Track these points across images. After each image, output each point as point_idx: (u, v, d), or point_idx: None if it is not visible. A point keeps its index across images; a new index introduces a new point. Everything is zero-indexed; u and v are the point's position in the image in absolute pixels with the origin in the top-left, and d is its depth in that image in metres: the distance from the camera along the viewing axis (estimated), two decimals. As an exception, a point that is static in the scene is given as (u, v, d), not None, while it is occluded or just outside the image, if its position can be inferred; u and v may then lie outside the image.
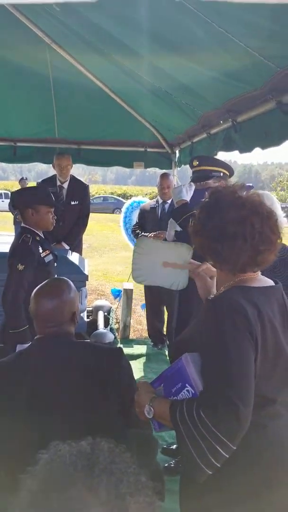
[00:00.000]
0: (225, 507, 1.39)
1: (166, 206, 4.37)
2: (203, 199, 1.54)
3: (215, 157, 3.08)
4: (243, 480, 1.37)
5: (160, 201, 4.51)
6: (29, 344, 1.83)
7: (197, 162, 2.75)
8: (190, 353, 1.42)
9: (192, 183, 2.72)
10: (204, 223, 1.44)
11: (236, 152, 2.84)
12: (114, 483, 0.74)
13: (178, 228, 2.75)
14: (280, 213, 2.14)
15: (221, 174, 2.66)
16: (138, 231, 4.62)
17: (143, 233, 4.47)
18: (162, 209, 4.44)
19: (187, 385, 1.40)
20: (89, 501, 0.72)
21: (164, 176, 4.43)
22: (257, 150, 2.44)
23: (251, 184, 3.08)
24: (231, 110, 2.63)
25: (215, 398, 1.28)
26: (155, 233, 4.10)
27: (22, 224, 2.79)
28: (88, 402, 1.59)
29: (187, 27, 2.00)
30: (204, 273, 1.76)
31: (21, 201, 2.79)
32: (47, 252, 2.76)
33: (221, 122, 2.92)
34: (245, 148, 2.57)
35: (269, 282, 1.49)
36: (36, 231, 2.77)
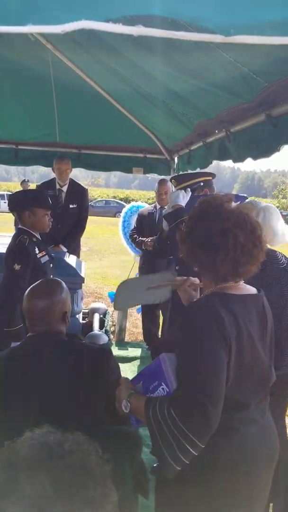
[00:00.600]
0: (195, 502, 1.44)
1: (164, 211, 4.46)
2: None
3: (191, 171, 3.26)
4: (213, 481, 1.42)
5: (158, 206, 4.59)
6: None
7: (176, 183, 2.91)
8: (167, 353, 1.49)
9: (188, 189, 2.82)
10: (190, 231, 1.50)
11: (231, 161, 2.93)
12: (66, 478, 0.76)
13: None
14: (280, 229, 2.16)
15: (201, 183, 2.79)
16: (135, 235, 4.69)
17: (140, 238, 4.54)
18: (160, 214, 4.51)
19: (162, 383, 1.47)
20: (24, 489, 0.74)
21: (162, 182, 4.51)
22: (248, 159, 2.51)
23: (245, 195, 3.16)
24: (225, 121, 2.71)
25: (185, 398, 1.34)
26: (152, 238, 4.17)
27: (19, 226, 2.87)
28: (75, 398, 1.66)
29: (183, 43, 2.08)
30: (188, 288, 1.83)
31: (18, 203, 2.87)
32: (43, 253, 2.83)
33: (216, 131, 3.00)
34: (238, 157, 2.65)
35: (251, 291, 1.54)
36: (33, 232, 2.84)
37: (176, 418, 1.31)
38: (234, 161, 2.75)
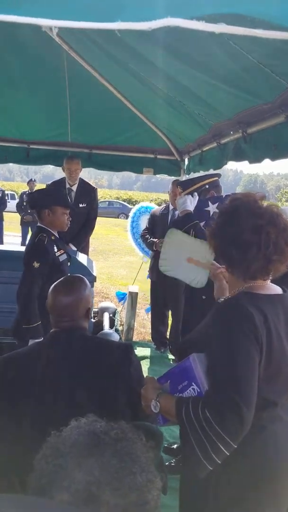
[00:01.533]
0: (222, 503, 1.45)
1: (177, 213, 4.44)
2: (215, 206, 1.65)
3: (197, 174, 3.29)
4: (239, 477, 1.43)
5: (171, 207, 4.60)
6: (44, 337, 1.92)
7: (182, 188, 2.93)
8: (198, 353, 1.48)
9: (195, 193, 2.85)
10: (221, 227, 1.51)
11: (245, 162, 2.95)
12: (114, 464, 0.78)
13: None
14: None
15: (207, 186, 2.82)
16: (147, 236, 4.70)
17: (151, 239, 4.55)
18: (173, 215, 4.51)
19: (193, 383, 1.47)
20: (74, 475, 0.76)
21: (175, 183, 4.54)
22: (265, 160, 2.53)
23: (265, 194, 3.20)
24: (242, 122, 2.73)
25: (220, 399, 1.34)
26: (162, 240, 4.19)
27: (38, 224, 2.89)
28: (98, 394, 1.67)
29: (203, 42, 2.10)
30: (223, 276, 1.84)
31: (39, 201, 2.90)
32: (62, 251, 2.86)
33: (232, 132, 3.02)
34: (255, 158, 2.67)
35: (278, 290, 1.55)
36: (51, 231, 2.87)
37: (210, 419, 1.32)
38: (250, 162, 2.77)
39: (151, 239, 4.55)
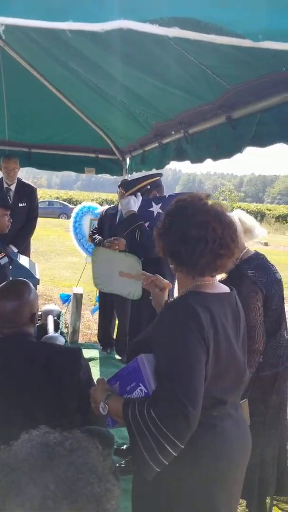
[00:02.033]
0: (174, 503, 1.45)
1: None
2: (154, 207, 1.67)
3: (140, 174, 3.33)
4: (190, 477, 1.44)
5: (119, 207, 4.53)
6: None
7: (124, 190, 2.95)
8: (145, 354, 1.48)
9: (139, 194, 2.85)
10: (168, 227, 1.53)
11: (186, 162, 2.99)
12: (70, 476, 0.76)
13: None
14: (253, 224, 2.30)
15: (148, 187, 2.86)
16: (95, 236, 4.62)
17: (100, 238, 4.48)
18: (121, 215, 4.44)
19: (140, 384, 1.46)
20: (28, 490, 0.73)
21: (123, 182, 4.52)
22: (207, 160, 2.58)
23: (209, 194, 3.27)
24: (183, 122, 2.76)
25: (166, 398, 1.34)
26: (110, 239, 4.11)
27: (-24, 227, 2.76)
28: (47, 400, 1.62)
29: (146, 43, 2.10)
30: (155, 285, 1.86)
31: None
32: (2, 254, 2.75)
33: (173, 132, 3.04)
34: (196, 158, 2.71)
35: (225, 289, 1.59)
36: (-9, 234, 2.75)
37: (155, 418, 1.31)
38: (192, 162, 2.81)
39: (99, 238, 4.49)
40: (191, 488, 1.44)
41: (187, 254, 1.46)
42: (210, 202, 1.54)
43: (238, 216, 2.25)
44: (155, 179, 2.96)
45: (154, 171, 3.63)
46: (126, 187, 2.96)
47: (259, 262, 2.21)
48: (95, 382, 1.66)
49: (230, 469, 1.48)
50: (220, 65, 1.93)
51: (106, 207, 5.12)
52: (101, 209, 5.27)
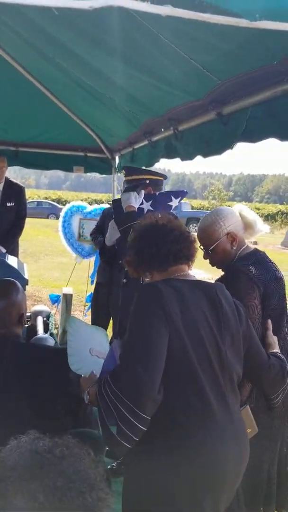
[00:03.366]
0: (164, 503, 1.42)
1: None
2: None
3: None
4: (175, 478, 1.41)
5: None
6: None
7: (125, 172, 2.90)
8: (117, 339, 1.58)
9: (142, 191, 2.79)
10: (129, 249, 1.69)
11: (175, 160, 2.96)
12: (60, 486, 0.72)
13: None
14: (255, 219, 2.19)
15: (147, 181, 2.78)
16: (95, 235, 4.53)
17: (103, 238, 4.38)
18: None
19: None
20: (16, 502, 0.70)
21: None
22: (197, 157, 2.55)
23: (184, 190, 3.22)
24: (173, 119, 2.73)
25: (120, 365, 1.42)
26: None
27: None
28: (36, 402, 1.58)
29: (133, 36, 2.06)
30: None
31: None
32: (-13, 254, 2.68)
33: (163, 130, 3.01)
34: (186, 156, 2.68)
35: (201, 280, 1.66)
36: (-25, 234, 2.69)
37: (111, 384, 1.37)
38: (182, 159, 2.78)
39: (102, 238, 4.39)
40: (177, 490, 1.41)
41: (147, 249, 1.60)
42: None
43: (239, 210, 2.17)
44: (157, 177, 2.88)
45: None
46: (128, 171, 2.91)
47: (258, 259, 2.09)
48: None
49: (216, 473, 1.44)
50: (211, 59, 1.90)
51: (107, 205, 5.04)
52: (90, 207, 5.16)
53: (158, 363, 1.37)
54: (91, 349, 1.78)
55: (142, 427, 1.33)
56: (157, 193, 2.83)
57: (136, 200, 2.66)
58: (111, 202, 3.24)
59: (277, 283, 2.04)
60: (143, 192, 2.70)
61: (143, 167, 3.62)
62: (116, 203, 2.92)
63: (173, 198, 2.78)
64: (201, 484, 1.42)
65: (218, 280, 1.92)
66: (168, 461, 1.40)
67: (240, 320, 1.58)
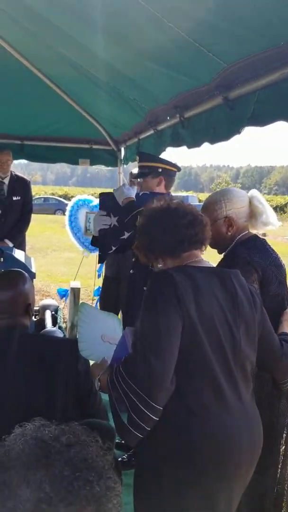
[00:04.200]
0: (176, 496, 1.41)
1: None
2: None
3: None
4: (186, 467, 1.39)
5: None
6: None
7: (138, 158, 2.84)
8: (130, 327, 1.54)
9: (134, 187, 2.77)
10: (138, 234, 1.64)
11: (183, 150, 2.91)
12: (67, 475, 0.70)
13: (109, 222, 2.78)
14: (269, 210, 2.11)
15: (160, 169, 2.70)
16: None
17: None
18: None
19: (127, 354, 1.48)
20: (21, 493, 0.67)
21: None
22: (205, 146, 2.50)
23: (170, 194, 3.16)
24: (178, 106, 2.68)
25: (132, 354, 1.39)
26: None
27: None
28: (44, 394, 1.56)
29: (135, 20, 2.02)
30: None
31: None
32: (-8, 247, 2.67)
33: (168, 118, 2.96)
34: (193, 143, 2.63)
35: (216, 267, 1.65)
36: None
37: (123, 373, 1.36)
38: (189, 146, 2.73)
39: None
40: (188, 480, 1.40)
41: (161, 235, 1.54)
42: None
43: (250, 197, 2.09)
44: (171, 167, 2.80)
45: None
46: (142, 157, 2.84)
47: (256, 244, 2.03)
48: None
49: (229, 462, 1.41)
50: (216, 41, 1.85)
51: None
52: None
53: (171, 353, 1.34)
54: (103, 335, 1.75)
55: (154, 417, 1.32)
56: (140, 192, 2.77)
57: (129, 191, 2.65)
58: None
59: (277, 269, 1.99)
60: (135, 187, 2.68)
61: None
62: (103, 196, 2.93)
63: (155, 201, 2.74)
64: (214, 474, 1.40)
65: (219, 263, 1.88)
66: (180, 451, 1.38)
67: (255, 307, 1.54)
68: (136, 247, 1.65)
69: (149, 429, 1.34)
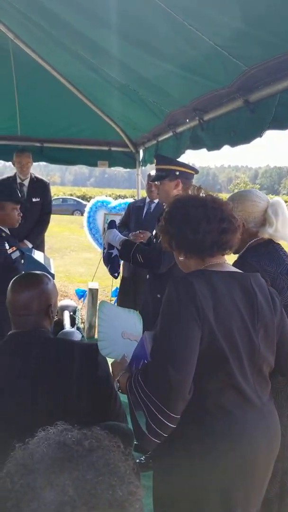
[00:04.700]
0: (194, 497, 1.42)
1: (153, 205, 4.21)
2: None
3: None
4: (206, 469, 1.39)
5: (147, 200, 4.43)
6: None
7: (155, 161, 2.86)
8: (149, 331, 1.52)
9: (151, 188, 2.79)
10: (168, 218, 1.58)
11: (201, 151, 2.90)
12: (90, 479, 0.70)
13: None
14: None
15: (177, 172, 2.69)
16: (120, 229, 4.51)
17: (124, 232, 4.36)
18: (148, 208, 4.33)
19: (145, 360, 1.48)
20: (45, 495, 0.68)
21: (150, 176, 4.46)
22: (225, 146, 2.49)
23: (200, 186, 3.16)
24: (198, 109, 2.67)
25: (150, 364, 1.39)
26: (135, 232, 3.98)
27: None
28: (64, 400, 1.56)
29: (155, 24, 2.02)
30: None
31: (-15, 198, 2.73)
32: (14, 248, 2.71)
33: (188, 121, 2.96)
34: (213, 146, 2.62)
35: (236, 270, 1.57)
36: (1, 228, 2.72)
37: (142, 383, 1.35)
38: (209, 149, 2.72)
39: (125, 232, 4.36)
40: (207, 482, 1.40)
41: (192, 235, 1.49)
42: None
43: (271, 203, 2.02)
44: (188, 170, 2.79)
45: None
46: (159, 160, 2.85)
47: (268, 250, 1.97)
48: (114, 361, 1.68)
49: (247, 462, 1.42)
50: (236, 44, 1.84)
51: (131, 200, 5.02)
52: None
53: (190, 363, 1.34)
54: (123, 332, 1.74)
55: (171, 425, 1.33)
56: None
57: (114, 236, 2.87)
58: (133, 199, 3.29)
59: None
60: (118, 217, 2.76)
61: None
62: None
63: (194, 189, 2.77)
64: (232, 474, 1.41)
65: None
66: (198, 454, 1.39)
67: (275, 310, 1.53)
68: (162, 230, 1.60)
69: (166, 435, 1.34)
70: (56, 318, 4.55)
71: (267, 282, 1.81)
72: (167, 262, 2.55)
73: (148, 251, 2.73)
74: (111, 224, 3.05)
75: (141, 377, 1.37)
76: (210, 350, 1.37)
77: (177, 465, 1.42)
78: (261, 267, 1.88)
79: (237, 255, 2.08)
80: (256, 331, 1.45)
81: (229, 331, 1.39)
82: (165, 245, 1.61)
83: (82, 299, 5.71)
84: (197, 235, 1.49)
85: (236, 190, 2.59)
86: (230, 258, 2.06)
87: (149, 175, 4.45)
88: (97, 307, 1.87)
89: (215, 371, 1.40)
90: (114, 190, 55.10)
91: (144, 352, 1.50)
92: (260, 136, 2.03)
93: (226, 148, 2.50)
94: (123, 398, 1.61)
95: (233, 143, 2.32)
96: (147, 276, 2.90)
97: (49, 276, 1.78)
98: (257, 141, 2.13)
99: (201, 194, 1.59)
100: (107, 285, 6.65)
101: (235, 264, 1.99)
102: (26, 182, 4.66)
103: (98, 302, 5.35)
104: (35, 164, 4.87)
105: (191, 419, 1.38)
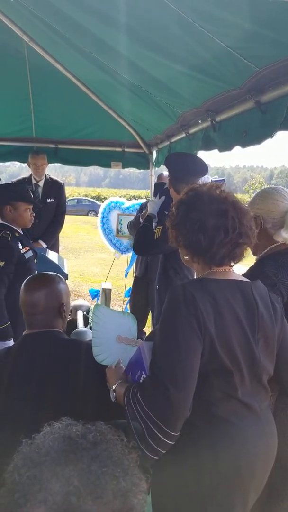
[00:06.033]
0: (194, 499, 1.42)
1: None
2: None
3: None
4: (208, 475, 1.39)
5: None
6: (17, 341, 1.82)
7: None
8: (147, 342, 1.49)
9: (163, 197, 2.85)
10: (183, 216, 1.48)
11: (215, 152, 2.90)
12: (94, 470, 0.73)
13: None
14: None
15: None
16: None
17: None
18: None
19: (142, 371, 1.46)
20: (51, 486, 0.70)
21: (161, 176, 4.52)
22: (237, 148, 2.49)
23: (223, 178, 3.17)
24: (210, 110, 2.68)
25: (149, 380, 1.34)
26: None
27: (0, 221, 2.78)
28: (70, 400, 1.57)
29: (167, 26, 2.03)
30: None
31: (-1, 197, 2.78)
32: (27, 248, 2.76)
33: (200, 121, 2.97)
34: (224, 147, 2.62)
35: (238, 277, 1.52)
36: (15, 228, 2.76)
37: (141, 401, 1.31)
38: (220, 150, 2.72)
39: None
40: (206, 488, 1.39)
41: (206, 243, 1.42)
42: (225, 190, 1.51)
43: None
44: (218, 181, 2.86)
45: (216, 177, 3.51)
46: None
47: (287, 261, 1.87)
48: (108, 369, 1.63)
49: (244, 470, 1.41)
50: (247, 45, 1.85)
51: (144, 200, 5.05)
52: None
53: (191, 380, 1.30)
54: (118, 336, 1.70)
55: (170, 443, 1.31)
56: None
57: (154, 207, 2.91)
58: (149, 199, 3.37)
59: None
60: (163, 197, 2.76)
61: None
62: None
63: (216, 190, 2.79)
64: (230, 480, 1.40)
65: (244, 275, 1.79)
66: (196, 460, 1.39)
67: (276, 318, 1.49)
68: (173, 225, 1.52)
69: (164, 452, 1.32)
70: (69, 318, 4.60)
71: (283, 297, 1.78)
72: (157, 252, 2.79)
73: (150, 233, 2.80)
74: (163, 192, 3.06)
75: (140, 395, 1.33)
76: (211, 363, 1.35)
77: (175, 472, 1.41)
78: (279, 280, 1.81)
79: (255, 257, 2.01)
80: (256, 341, 1.43)
81: (229, 343, 1.37)
82: (172, 239, 1.55)
83: (96, 299, 5.74)
84: (211, 245, 1.42)
85: (251, 191, 2.57)
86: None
87: (159, 176, 4.48)
88: (92, 311, 1.83)
89: (215, 382, 1.38)
90: (129, 190, 55.19)
91: (141, 362, 1.47)
92: (271, 137, 2.03)
93: (240, 148, 2.50)
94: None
95: (244, 144, 2.32)
96: (157, 286, 2.96)
97: (61, 276, 1.81)
98: (272, 141, 2.13)
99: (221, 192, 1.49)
100: (121, 285, 6.69)
101: (251, 268, 1.95)
102: (41, 183, 4.73)
103: (112, 302, 5.37)
104: (51, 165, 4.93)
105: (191, 428, 1.37)
